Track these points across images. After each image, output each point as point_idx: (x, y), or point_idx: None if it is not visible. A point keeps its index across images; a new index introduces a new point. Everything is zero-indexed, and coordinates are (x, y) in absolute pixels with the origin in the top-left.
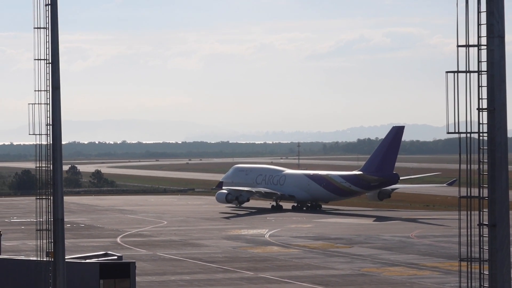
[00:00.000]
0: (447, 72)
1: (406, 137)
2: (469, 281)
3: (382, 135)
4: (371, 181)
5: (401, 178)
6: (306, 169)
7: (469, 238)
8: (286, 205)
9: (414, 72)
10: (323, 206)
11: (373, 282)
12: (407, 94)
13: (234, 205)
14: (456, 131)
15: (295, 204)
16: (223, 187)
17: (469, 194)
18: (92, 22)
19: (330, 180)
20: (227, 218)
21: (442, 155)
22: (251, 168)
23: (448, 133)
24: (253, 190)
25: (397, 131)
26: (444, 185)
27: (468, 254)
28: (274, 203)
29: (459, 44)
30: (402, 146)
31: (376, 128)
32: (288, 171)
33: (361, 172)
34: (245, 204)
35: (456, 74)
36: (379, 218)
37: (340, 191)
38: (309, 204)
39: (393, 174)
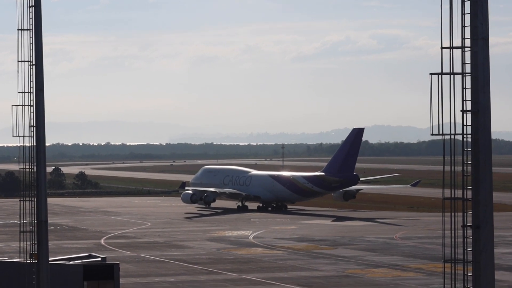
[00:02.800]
0: (431, 74)
1: (390, 138)
2: (453, 282)
3: (366, 137)
4: (332, 182)
5: (361, 179)
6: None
7: (453, 240)
8: (252, 205)
9: (399, 73)
10: (288, 206)
11: (357, 284)
12: (392, 95)
13: (202, 206)
14: (440, 132)
15: (261, 205)
16: (187, 188)
17: (453, 196)
18: (77, 23)
19: (293, 181)
20: (190, 218)
21: (426, 157)
22: (219, 169)
23: (432, 134)
24: (218, 191)
25: (357, 133)
26: (408, 186)
27: (452, 255)
28: (240, 204)
29: (443, 46)
30: (386, 147)
31: None
32: (254, 172)
33: (322, 173)
34: (213, 205)
35: (440, 76)
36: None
37: (303, 192)
38: (274, 205)
39: (353, 175)
